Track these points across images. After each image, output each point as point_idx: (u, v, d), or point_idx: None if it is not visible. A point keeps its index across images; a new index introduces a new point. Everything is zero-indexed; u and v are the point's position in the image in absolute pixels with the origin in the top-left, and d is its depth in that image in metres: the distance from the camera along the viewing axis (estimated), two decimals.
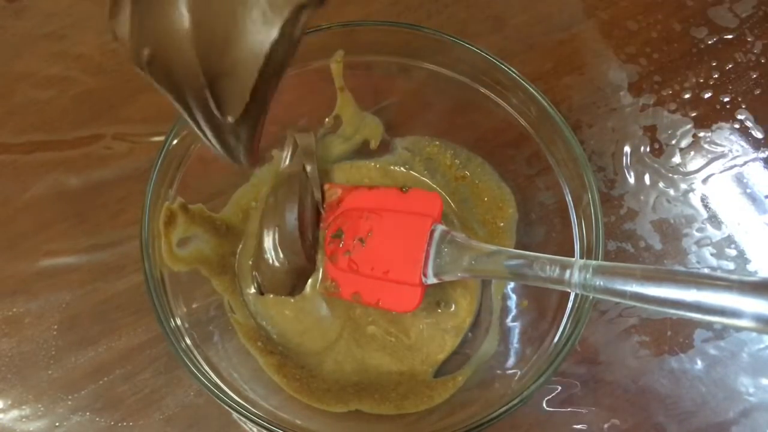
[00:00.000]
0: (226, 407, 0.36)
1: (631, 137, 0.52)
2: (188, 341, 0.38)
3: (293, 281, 0.44)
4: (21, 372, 0.44)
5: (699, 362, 0.46)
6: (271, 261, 0.43)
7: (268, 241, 0.44)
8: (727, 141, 0.52)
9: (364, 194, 0.43)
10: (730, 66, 0.54)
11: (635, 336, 0.46)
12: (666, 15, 0.56)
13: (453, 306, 0.45)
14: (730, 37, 0.55)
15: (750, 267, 0.49)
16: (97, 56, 0.53)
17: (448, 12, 0.55)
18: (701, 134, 0.52)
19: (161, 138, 0.39)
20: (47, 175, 0.49)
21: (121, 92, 0.52)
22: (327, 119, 0.46)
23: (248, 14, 0.24)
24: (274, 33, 0.24)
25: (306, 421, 0.40)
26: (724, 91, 0.54)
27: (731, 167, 0.52)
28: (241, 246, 0.46)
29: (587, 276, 0.31)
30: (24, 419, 0.43)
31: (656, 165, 0.51)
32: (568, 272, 0.32)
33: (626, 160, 0.51)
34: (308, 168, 0.45)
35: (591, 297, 0.36)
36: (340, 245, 0.42)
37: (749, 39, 0.55)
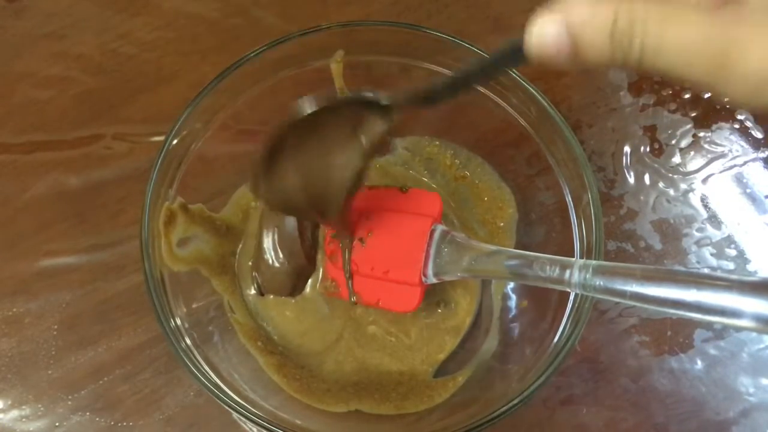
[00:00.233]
0: (226, 407, 0.35)
1: (631, 137, 0.52)
2: (188, 341, 0.38)
3: (293, 281, 0.44)
4: (21, 372, 0.44)
5: (699, 362, 0.46)
6: (270, 261, 0.43)
7: (268, 242, 0.44)
8: (727, 141, 0.52)
9: (364, 194, 0.43)
10: None
11: (635, 336, 0.46)
12: None
13: (453, 306, 0.45)
14: None
15: (750, 267, 0.49)
16: (97, 56, 0.53)
17: (448, 12, 0.55)
18: (701, 134, 0.52)
19: (161, 138, 0.39)
20: (47, 175, 0.49)
21: (121, 92, 0.52)
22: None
23: (335, 171, 0.35)
24: (350, 177, 0.35)
25: (306, 421, 0.40)
26: None
27: (731, 167, 0.52)
28: (241, 246, 0.46)
29: (587, 276, 0.31)
30: (24, 419, 0.43)
31: (656, 165, 0.51)
32: (568, 272, 0.32)
33: (626, 160, 0.51)
34: None
35: (591, 297, 0.36)
36: (340, 245, 0.42)
37: None
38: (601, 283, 0.31)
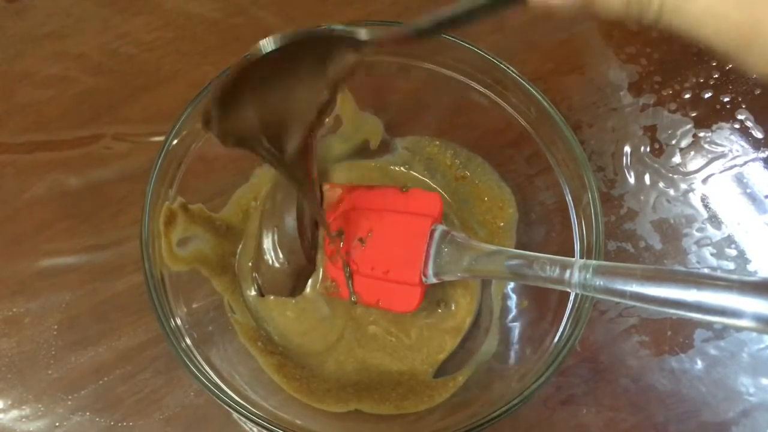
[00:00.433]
0: (226, 407, 0.35)
1: (631, 137, 0.52)
2: (188, 341, 0.38)
3: (293, 282, 0.44)
4: (21, 372, 0.44)
5: (699, 362, 0.46)
6: (270, 262, 0.43)
7: (268, 242, 0.44)
8: (727, 141, 0.52)
9: (364, 194, 0.43)
10: (730, 66, 0.54)
11: (635, 336, 0.46)
12: None
13: (453, 306, 0.45)
14: None
15: (750, 267, 0.49)
16: (97, 56, 0.53)
17: None
18: (701, 134, 0.52)
19: (161, 138, 0.39)
20: (47, 175, 0.49)
21: (121, 92, 0.52)
22: (327, 119, 0.46)
23: (297, 103, 0.33)
24: (313, 109, 0.34)
25: (306, 421, 0.40)
26: (724, 91, 0.54)
27: (731, 167, 0.52)
28: (241, 246, 0.46)
29: (587, 276, 0.31)
30: (24, 419, 0.43)
31: (656, 165, 0.51)
32: (568, 272, 0.32)
33: (626, 160, 0.51)
34: None
35: (591, 297, 0.36)
36: (341, 245, 0.42)
37: None
38: (601, 283, 0.31)
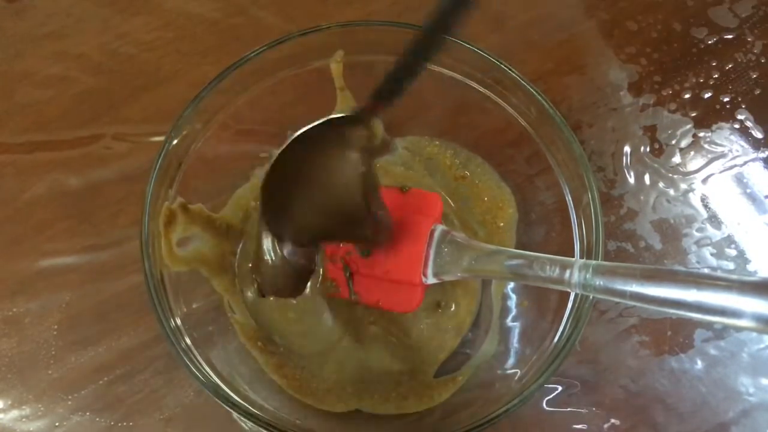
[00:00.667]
0: (226, 407, 0.36)
1: (631, 137, 0.52)
2: (188, 341, 0.38)
3: (293, 282, 0.44)
4: (21, 372, 0.44)
5: (699, 362, 0.46)
6: (270, 262, 0.43)
7: (267, 243, 0.44)
8: (727, 141, 0.52)
9: None
10: (730, 66, 0.54)
11: (635, 336, 0.46)
12: (666, 15, 0.56)
13: (453, 306, 0.45)
14: (730, 37, 0.55)
15: (750, 267, 0.49)
16: (97, 56, 0.53)
17: None
18: (701, 134, 0.52)
19: (161, 138, 0.39)
20: (47, 175, 0.49)
21: (121, 92, 0.52)
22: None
23: (341, 189, 0.36)
24: (357, 187, 0.36)
25: (306, 421, 0.40)
26: (724, 91, 0.54)
27: (731, 167, 0.52)
28: (240, 246, 0.46)
29: (587, 276, 0.31)
30: (24, 419, 0.43)
31: (656, 165, 0.51)
32: (568, 272, 0.32)
33: (626, 160, 0.51)
34: None
35: (591, 297, 0.36)
36: (340, 245, 0.42)
37: (749, 39, 0.55)
38: (601, 283, 0.31)
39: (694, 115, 0.53)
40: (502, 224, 0.46)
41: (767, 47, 0.55)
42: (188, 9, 0.55)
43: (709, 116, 0.53)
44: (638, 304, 0.30)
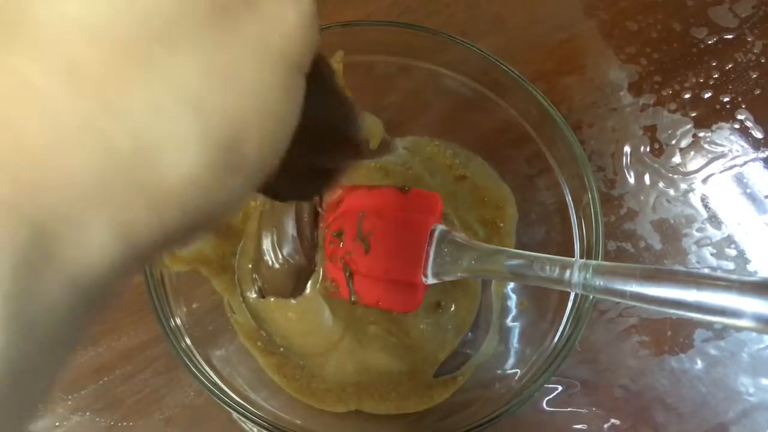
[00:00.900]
0: (226, 407, 0.36)
1: (631, 137, 0.52)
2: (188, 341, 0.38)
3: (293, 282, 0.44)
4: None
5: (699, 362, 0.46)
6: (270, 263, 0.43)
7: (267, 243, 0.44)
8: (727, 141, 0.52)
9: (364, 194, 0.43)
10: (730, 66, 0.54)
11: (635, 336, 0.46)
12: (666, 15, 0.56)
13: (453, 306, 0.45)
14: (730, 37, 0.55)
15: (750, 267, 0.49)
16: None
17: (448, 12, 0.55)
18: (701, 134, 0.52)
19: None
20: None
21: None
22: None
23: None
24: None
25: (306, 421, 0.40)
26: (724, 91, 0.54)
27: (731, 167, 0.52)
28: (240, 246, 0.46)
29: (587, 276, 0.31)
30: None
31: (656, 165, 0.51)
32: (568, 272, 0.32)
33: (626, 160, 0.51)
34: None
35: (591, 297, 0.36)
36: (341, 245, 0.42)
37: (749, 39, 0.55)
38: (601, 283, 0.31)
39: (694, 115, 0.53)
40: (502, 224, 0.46)
41: (767, 47, 0.55)
42: None
43: (709, 116, 0.53)
44: (638, 304, 0.29)
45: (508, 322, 0.44)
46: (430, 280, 0.39)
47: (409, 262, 0.39)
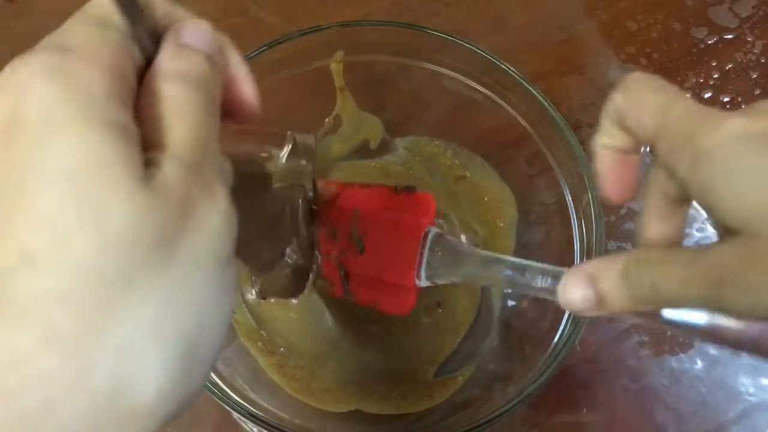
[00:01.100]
0: (226, 407, 0.36)
1: None
2: None
3: (293, 282, 0.44)
4: None
5: (699, 362, 0.46)
6: None
7: None
8: None
9: (359, 193, 0.42)
10: (730, 66, 0.54)
11: (635, 336, 0.46)
12: (666, 15, 0.56)
13: (453, 306, 0.45)
14: (730, 37, 0.55)
15: None
16: None
17: (448, 12, 0.55)
18: None
19: None
20: None
21: None
22: (327, 119, 0.46)
23: None
24: None
25: (306, 421, 0.40)
26: (724, 91, 0.54)
27: None
28: None
29: None
30: None
31: None
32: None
33: None
34: (303, 163, 0.44)
35: None
36: (336, 244, 0.41)
37: (749, 39, 0.55)
38: None
39: None
40: (502, 224, 0.46)
41: (767, 47, 0.55)
42: (188, 9, 0.55)
43: None
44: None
45: (508, 322, 0.44)
46: (424, 283, 0.38)
47: (402, 264, 0.38)
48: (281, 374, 0.42)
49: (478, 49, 0.41)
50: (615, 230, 0.49)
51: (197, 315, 0.18)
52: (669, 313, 0.25)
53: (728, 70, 0.54)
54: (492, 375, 0.42)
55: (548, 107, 0.40)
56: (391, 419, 0.42)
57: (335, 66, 0.43)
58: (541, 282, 0.32)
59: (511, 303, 0.45)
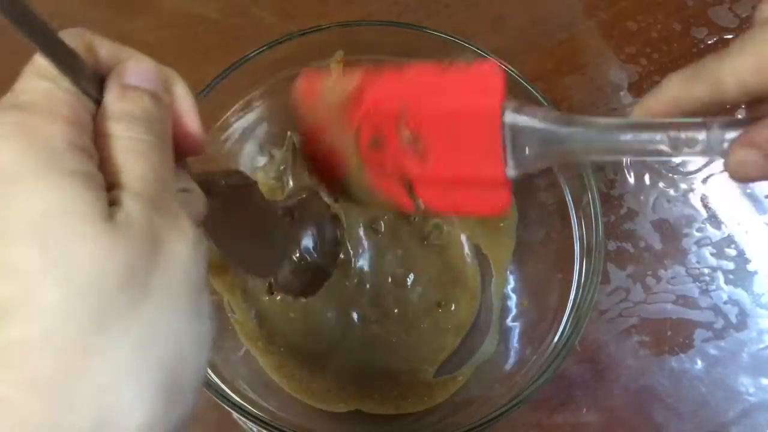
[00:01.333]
0: (226, 407, 0.35)
1: None
2: None
3: (307, 281, 0.42)
4: None
5: (699, 362, 0.46)
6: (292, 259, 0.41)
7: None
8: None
9: (394, 81, 0.32)
10: None
11: (635, 336, 0.46)
12: (666, 15, 0.56)
13: (453, 306, 0.45)
14: (730, 37, 0.55)
15: (750, 267, 0.49)
16: None
17: (448, 12, 0.55)
18: None
19: None
20: None
21: None
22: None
23: None
24: None
25: (306, 421, 0.40)
26: None
27: None
28: None
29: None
30: None
31: (656, 165, 0.51)
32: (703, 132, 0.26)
33: (626, 160, 0.51)
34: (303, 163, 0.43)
35: (591, 297, 0.36)
36: (384, 153, 0.32)
37: None
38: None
39: None
40: (502, 224, 0.46)
41: None
42: (188, 9, 0.55)
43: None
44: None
45: (508, 322, 0.44)
46: (515, 172, 0.30)
47: (483, 157, 0.30)
48: (281, 374, 0.42)
49: (478, 49, 0.41)
50: (615, 230, 0.49)
51: (175, 346, 0.19)
52: None
53: None
54: (492, 375, 0.42)
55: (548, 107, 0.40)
56: (391, 419, 0.42)
57: (335, 66, 0.43)
58: (673, 143, 0.26)
59: (511, 303, 0.45)
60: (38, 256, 0.17)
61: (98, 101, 0.21)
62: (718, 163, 0.51)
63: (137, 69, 0.22)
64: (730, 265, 0.49)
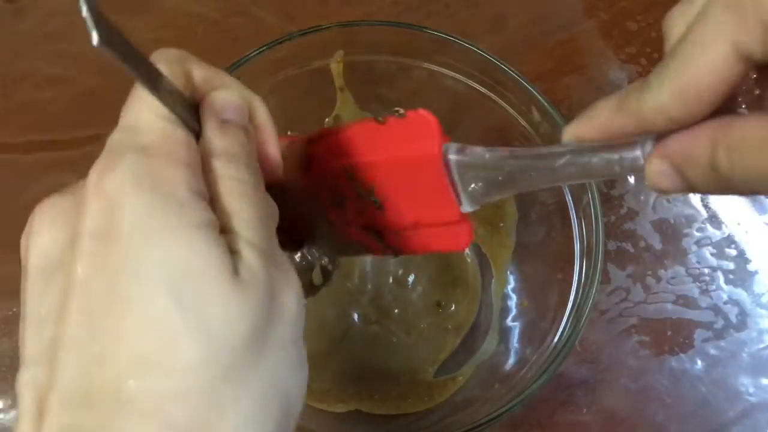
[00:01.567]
0: None
1: None
2: None
3: (306, 282, 0.42)
4: None
5: (699, 362, 0.46)
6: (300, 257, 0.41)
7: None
8: None
9: (338, 142, 0.32)
10: None
11: (635, 336, 0.46)
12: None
13: (453, 306, 0.45)
14: None
15: (750, 267, 0.49)
16: (97, 56, 0.53)
17: (448, 12, 0.55)
18: None
19: None
20: (47, 175, 0.49)
21: (121, 92, 0.51)
22: (327, 119, 0.46)
23: None
24: None
25: (306, 421, 0.40)
26: None
27: None
28: None
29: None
30: None
31: None
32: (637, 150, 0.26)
33: None
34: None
35: (591, 297, 0.36)
36: (347, 210, 0.34)
37: None
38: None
39: None
40: (502, 224, 0.46)
41: None
42: (188, 9, 0.55)
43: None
44: None
45: (508, 322, 0.44)
46: (469, 208, 0.31)
47: (435, 198, 0.31)
48: None
49: (478, 49, 0.41)
50: (615, 230, 0.49)
51: (286, 396, 0.21)
52: None
53: None
54: (492, 375, 0.42)
55: (548, 107, 0.40)
56: (391, 419, 0.42)
57: (335, 66, 0.43)
58: (607, 164, 0.27)
59: (511, 303, 0.45)
60: (178, 314, 0.18)
61: (194, 130, 0.21)
62: None
63: (232, 102, 0.23)
64: (730, 265, 0.49)
